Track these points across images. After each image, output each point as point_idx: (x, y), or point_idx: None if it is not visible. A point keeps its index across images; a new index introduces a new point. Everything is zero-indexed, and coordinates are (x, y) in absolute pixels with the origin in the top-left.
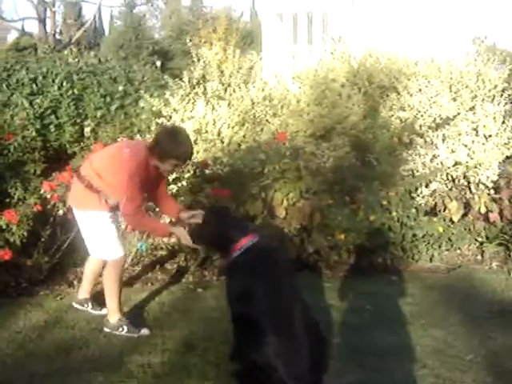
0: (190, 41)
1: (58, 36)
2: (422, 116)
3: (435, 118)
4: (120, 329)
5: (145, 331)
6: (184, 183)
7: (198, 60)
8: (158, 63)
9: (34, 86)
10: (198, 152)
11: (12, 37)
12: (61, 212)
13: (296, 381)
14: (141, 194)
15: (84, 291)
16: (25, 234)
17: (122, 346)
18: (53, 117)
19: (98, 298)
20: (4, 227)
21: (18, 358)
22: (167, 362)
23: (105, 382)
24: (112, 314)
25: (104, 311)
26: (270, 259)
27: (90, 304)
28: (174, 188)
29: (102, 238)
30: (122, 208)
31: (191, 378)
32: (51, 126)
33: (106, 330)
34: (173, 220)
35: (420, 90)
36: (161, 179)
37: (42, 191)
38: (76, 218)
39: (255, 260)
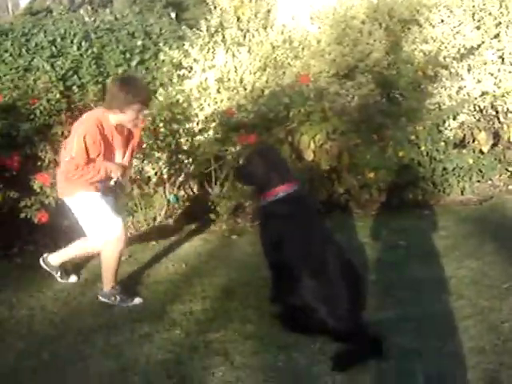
0: None
1: None
2: (445, 47)
3: (459, 49)
4: (113, 297)
5: (137, 300)
6: (210, 133)
7: (215, 8)
8: (173, 15)
9: (54, 48)
10: (221, 101)
11: (24, 1)
12: None
13: (336, 320)
14: (87, 155)
15: (57, 259)
16: None
17: (164, 297)
18: (75, 77)
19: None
20: (38, 190)
21: (64, 316)
22: (209, 308)
23: (150, 331)
24: (106, 283)
25: (72, 279)
26: (301, 207)
27: (58, 272)
28: (200, 139)
29: (97, 216)
30: (64, 164)
31: (233, 322)
32: (74, 87)
33: (100, 298)
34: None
35: (442, 20)
36: (129, 140)
37: None
38: (70, 207)
39: (287, 208)
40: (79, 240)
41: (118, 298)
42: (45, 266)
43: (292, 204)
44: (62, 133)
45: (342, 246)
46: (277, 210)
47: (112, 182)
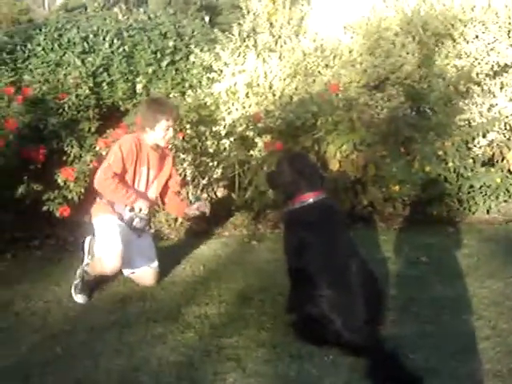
0: None
1: None
2: (478, 64)
3: (493, 66)
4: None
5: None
6: (236, 137)
7: (248, 13)
8: (207, 18)
9: (86, 44)
10: (249, 105)
11: None
12: None
13: (352, 333)
14: (122, 169)
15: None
16: (82, 190)
17: (179, 299)
18: (105, 74)
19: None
20: (62, 184)
21: (79, 311)
22: (224, 312)
23: (164, 332)
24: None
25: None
26: (327, 215)
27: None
28: (226, 142)
29: (105, 237)
30: (101, 171)
31: (248, 328)
32: (104, 84)
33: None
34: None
35: (477, 36)
36: (163, 166)
37: (97, 148)
38: (94, 226)
39: (313, 215)
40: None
41: (80, 284)
42: (86, 247)
43: (318, 212)
44: (89, 129)
45: (364, 258)
46: (302, 217)
47: (139, 223)
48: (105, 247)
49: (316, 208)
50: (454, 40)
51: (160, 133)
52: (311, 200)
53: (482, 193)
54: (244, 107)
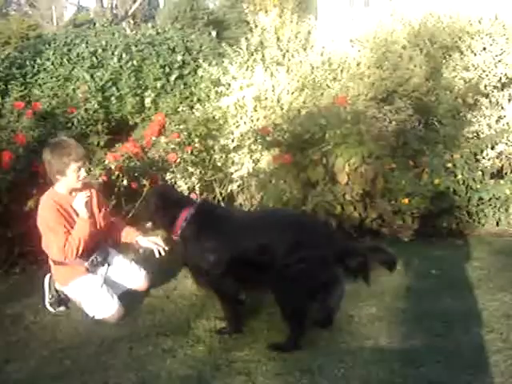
0: (247, 7)
1: (114, 10)
2: (486, 76)
3: (501, 78)
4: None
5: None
6: (245, 150)
7: (256, 27)
8: (214, 33)
9: (94, 59)
10: (257, 119)
11: (69, 14)
12: (125, 182)
13: None
14: (64, 233)
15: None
16: None
17: (189, 313)
18: (114, 89)
19: None
20: None
21: (89, 324)
22: None
23: (173, 346)
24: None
25: (61, 308)
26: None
27: (53, 298)
28: (234, 156)
29: (92, 298)
30: (50, 251)
31: (258, 342)
32: (112, 98)
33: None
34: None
35: (484, 48)
36: (100, 208)
37: (106, 162)
38: (68, 294)
39: (203, 221)
40: None
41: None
42: (46, 285)
43: (203, 216)
44: (98, 143)
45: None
46: (196, 227)
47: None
48: (100, 309)
49: (199, 217)
50: (462, 52)
51: (72, 176)
52: (187, 215)
53: (491, 205)
54: (252, 121)
